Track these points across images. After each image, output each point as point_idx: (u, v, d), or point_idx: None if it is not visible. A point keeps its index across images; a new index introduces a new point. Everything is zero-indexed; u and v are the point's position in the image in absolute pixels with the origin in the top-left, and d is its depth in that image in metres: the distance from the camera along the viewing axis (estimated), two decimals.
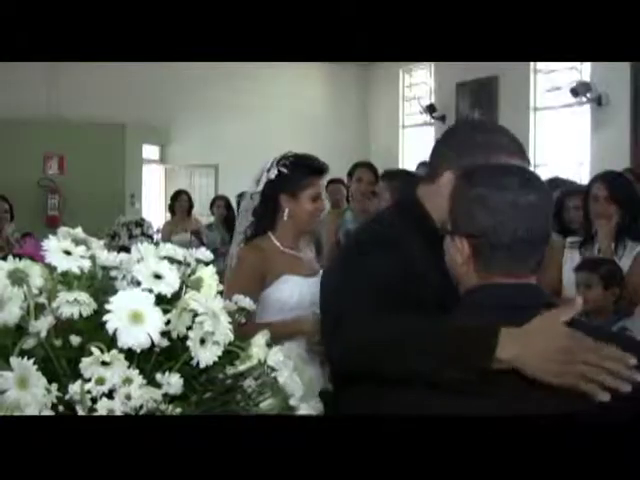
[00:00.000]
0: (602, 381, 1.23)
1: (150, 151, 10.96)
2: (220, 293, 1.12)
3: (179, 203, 7.59)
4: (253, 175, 2.85)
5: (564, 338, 1.27)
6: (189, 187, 9.48)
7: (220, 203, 7.38)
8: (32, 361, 0.95)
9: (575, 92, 8.27)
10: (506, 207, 1.34)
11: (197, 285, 1.10)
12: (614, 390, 1.22)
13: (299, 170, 2.72)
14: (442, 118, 10.37)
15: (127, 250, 1.18)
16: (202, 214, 8.42)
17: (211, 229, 7.19)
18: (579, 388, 1.24)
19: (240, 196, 7.82)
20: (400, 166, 9.99)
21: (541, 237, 1.38)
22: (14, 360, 0.96)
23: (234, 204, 7.37)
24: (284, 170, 2.70)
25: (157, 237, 6.59)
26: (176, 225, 7.43)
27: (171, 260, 1.12)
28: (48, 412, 0.95)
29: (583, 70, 8.35)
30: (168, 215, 8.21)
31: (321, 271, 2.79)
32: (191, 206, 7.69)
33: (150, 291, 1.02)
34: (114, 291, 1.07)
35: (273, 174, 2.71)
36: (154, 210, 10.63)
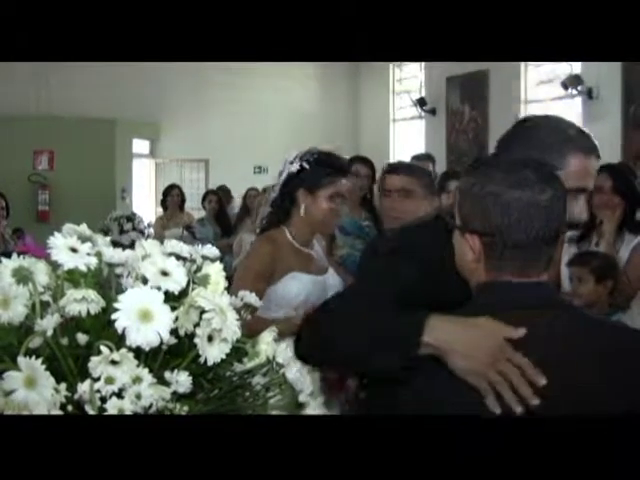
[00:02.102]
0: (506, 398, 1.20)
1: (140, 145, 10.93)
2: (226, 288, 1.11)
3: (171, 197, 7.55)
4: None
5: (494, 340, 1.22)
6: (179, 181, 9.46)
7: (212, 198, 7.35)
8: (40, 360, 0.94)
9: (566, 85, 8.28)
10: (520, 205, 1.29)
11: (204, 282, 1.09)
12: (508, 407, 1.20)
13: (320, 167, 2.70)
14: (432, 111, 10.39)
15: (118, 245, 1.16)
16: (192, 208, 8.39)
17: (203, 224, 7.16)
18: (484, 394, 1.21)
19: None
20: (391, 160, 9.95)
21: (555, 235, 1.34)
22: (22, 360, 0.94)
23: None
24: (305, 165, 2.70)
25: (148, 232, 6.56)
26: (168, 219, 7.41)
27: (177, 257, 1.11)
28: (57, 412, 0.94)
29: (573, 63, 8.35)
30: (159, 210, 8.17)
31: (330, 269, 2.79)
32: (183, 200, 7.66)
33: (158, 288, 1.01)
34: (120, 289, 1.06)
35: (295, 168, 2.71)
36: (144, 205, 10.60)
